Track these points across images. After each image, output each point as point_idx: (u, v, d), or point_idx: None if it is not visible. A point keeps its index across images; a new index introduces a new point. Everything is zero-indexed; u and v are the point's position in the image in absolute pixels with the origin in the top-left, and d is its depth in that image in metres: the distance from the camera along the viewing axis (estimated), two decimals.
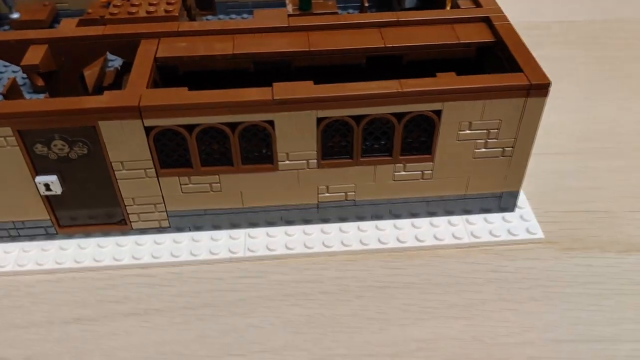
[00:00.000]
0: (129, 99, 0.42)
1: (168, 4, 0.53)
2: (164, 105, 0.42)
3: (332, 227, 0.51)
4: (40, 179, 0.45)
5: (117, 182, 0.46)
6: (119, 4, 0.53)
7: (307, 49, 0.49)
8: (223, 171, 0.47)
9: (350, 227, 0.51)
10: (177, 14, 0.51)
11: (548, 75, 0.44)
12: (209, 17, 0.74)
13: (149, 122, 0.43)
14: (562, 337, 0.44)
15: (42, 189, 0.46)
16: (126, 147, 0.44)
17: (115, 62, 0.66)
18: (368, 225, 0.51)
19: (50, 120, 0.42)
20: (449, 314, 0.45)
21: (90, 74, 0.57)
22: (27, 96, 0.63)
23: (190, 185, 0.48)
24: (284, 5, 0.60)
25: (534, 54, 0.47)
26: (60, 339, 0.44)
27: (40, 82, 0.61)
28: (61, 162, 0.45)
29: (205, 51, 0.49)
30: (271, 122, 0.44)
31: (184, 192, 0.48)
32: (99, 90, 0.58)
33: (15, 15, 0.70)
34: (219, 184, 0.48)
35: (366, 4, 0.69)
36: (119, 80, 0.60)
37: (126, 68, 0.62)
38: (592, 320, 0.45)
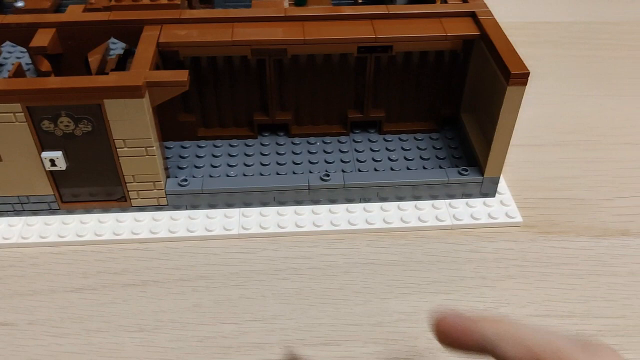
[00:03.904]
0: (134, 79, 0.45)
1: None
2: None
3: (322, 209, 0.54)
4: (46, 155, 0.48)
5: (118, 159, 0.49)
6: None
7: (302, 38, 0.52)
8: None
9: (339, 208, 0.54)
10: (179, 2, 0.53)
11: (532, 71, 0.47)
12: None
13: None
14: (535, 312, 0.46)
15: (48, 164, 0.48)
16: (128, 125, 0.47)
17: (115, 50, 0.68)
18: (356, 207, 0.54)
19: (59, 97, 0.45)
20: (430, 289, 0.48)
21: (93, 60, 0.59)
22: None
23: None
24: None
25: (521, 51, 0.49)
26: (62, 306, 0.46)
27: (44, 67, 0.63)
28: (66, 139, 0.48)
29: (205, 37, 0.51)
30: None
31: None
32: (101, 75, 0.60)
33: (19, 4, 0.72)
34: None
35: (360, 0, 0.72)
36: (120, 66, 0.63)
37: (127, 55, 0.64)
38: (565, 297, 0.47)
